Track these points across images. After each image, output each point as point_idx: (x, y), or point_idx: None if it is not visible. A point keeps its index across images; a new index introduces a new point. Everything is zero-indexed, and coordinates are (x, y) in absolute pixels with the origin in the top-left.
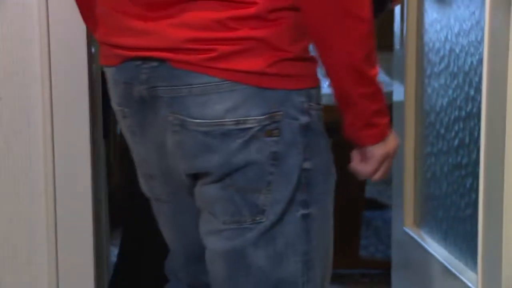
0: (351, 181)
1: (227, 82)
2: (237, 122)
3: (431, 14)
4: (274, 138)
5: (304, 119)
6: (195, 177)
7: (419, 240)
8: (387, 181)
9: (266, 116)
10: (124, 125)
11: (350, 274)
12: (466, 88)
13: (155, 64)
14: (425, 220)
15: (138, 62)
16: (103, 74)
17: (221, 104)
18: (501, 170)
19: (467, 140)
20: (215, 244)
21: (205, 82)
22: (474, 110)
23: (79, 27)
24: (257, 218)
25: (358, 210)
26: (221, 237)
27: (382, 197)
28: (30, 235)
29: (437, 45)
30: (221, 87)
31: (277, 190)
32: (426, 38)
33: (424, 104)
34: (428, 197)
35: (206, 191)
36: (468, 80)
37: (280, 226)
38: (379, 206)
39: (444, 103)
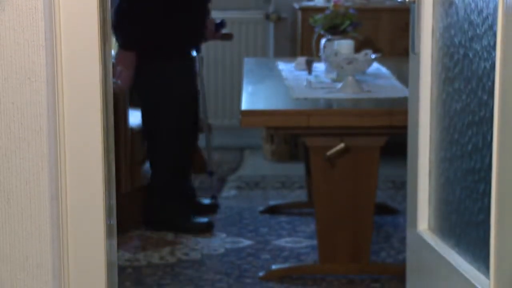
0: (362, 187)
1: None
2: None
3: (445, 19)
4: None
5: None
6: None
7: (432, 244)
8: (398, 186)
9: None
10: None
11: (361, 280)
12: (479, 93)
13: None
14: (439, 224)
15: None
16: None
17: None
18: None
19: (480, 145)
20: None
21: None
22: (487, 115)
23: (91, 32)
24: None
25: (368, 215)
26: None
27: (393, 202)
28: (40, 239)
29: (451, 50)
30: None
31: None
32: (441, 43)
33: (438, 109)
34: (442, 201)
35: None
36: (481, 85)
37: None
38: (390, 211)
39: (458, 108)
